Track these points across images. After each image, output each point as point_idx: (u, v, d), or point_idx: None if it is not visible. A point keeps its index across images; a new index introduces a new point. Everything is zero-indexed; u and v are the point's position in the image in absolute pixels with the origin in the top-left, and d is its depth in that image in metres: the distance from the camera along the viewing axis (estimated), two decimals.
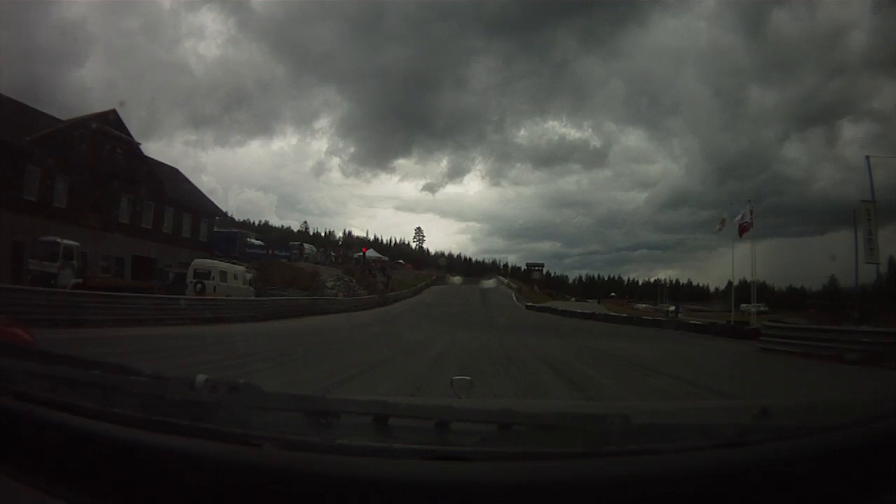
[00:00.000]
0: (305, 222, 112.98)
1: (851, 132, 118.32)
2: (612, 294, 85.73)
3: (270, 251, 40.37)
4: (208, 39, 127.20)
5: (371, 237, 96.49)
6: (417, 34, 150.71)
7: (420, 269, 70.28)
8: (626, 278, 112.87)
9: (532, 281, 76.91)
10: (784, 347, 12.83)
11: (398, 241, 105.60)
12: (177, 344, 9.94)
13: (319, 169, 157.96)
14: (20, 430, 0.83)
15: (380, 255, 63.30)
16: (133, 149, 27.02)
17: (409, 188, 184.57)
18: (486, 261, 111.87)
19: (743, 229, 25.22)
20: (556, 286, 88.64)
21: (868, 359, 9.91)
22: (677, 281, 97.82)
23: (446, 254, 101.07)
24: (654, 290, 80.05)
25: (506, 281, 72.30)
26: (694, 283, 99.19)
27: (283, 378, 6.47)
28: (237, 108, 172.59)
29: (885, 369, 9.20)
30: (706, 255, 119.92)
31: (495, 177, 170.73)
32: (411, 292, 47.24)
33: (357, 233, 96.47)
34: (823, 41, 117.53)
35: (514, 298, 52.41)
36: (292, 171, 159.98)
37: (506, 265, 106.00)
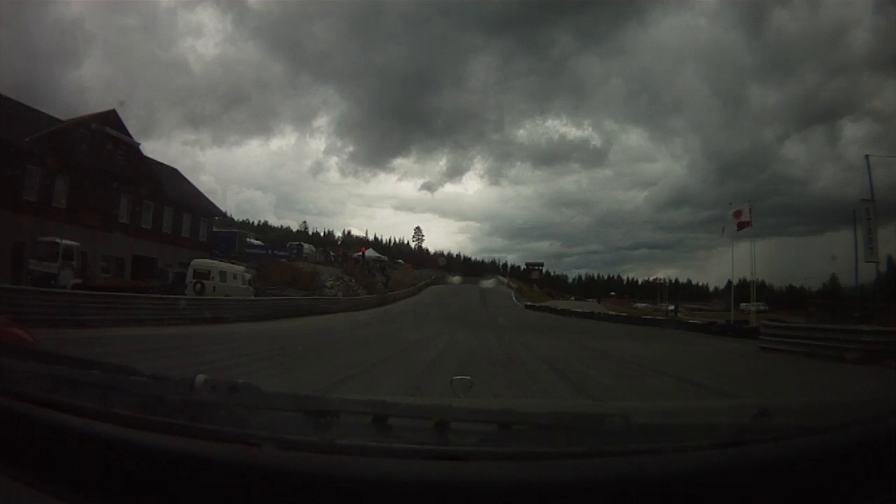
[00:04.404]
0: (304, 222, 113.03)
1: (852, 132, 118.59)
2: (612, 293, 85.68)
3: (270, 251, 40.45)
4: (206, 39, 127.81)
5: (370, 237, 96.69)
6: (416, 32, 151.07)
7: (419, 268, 70.28)
8: (625, 277, 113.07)
9: (531, 280, 76.90)
10: (784, 346, 12.80)
11: (397, 240, 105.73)
12: (177, 344, 9.94)
13: (318, 168, 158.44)
14: (20, 430, 0.83)
15: (379, 255, 63.33)
16: (132, 149, 27.00)
17: (408, 187, 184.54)
18: (486, 260, 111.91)
19: (742, 226, 25.18)
20: (555, 285, 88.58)
21: (868, 358, 9.89)
22: (677, 280, 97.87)
23: (445, 253, 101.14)
24: (653, 290, 79.96)
25: (505, 280, 72.29)
26: (693, 283, 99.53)
27: (282, 378, 6.46)
28: (235, 108, 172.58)
29: (885, 369, 9.19)
30: (706, 254, 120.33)
31: (494, 176, 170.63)
32: (410, 292, 47.25)
33: (356, 232, 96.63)
34: (824, 40, 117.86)
35: (514, 298, 52.40)
36: (291, 170, 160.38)
37: (505, 265, 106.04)
